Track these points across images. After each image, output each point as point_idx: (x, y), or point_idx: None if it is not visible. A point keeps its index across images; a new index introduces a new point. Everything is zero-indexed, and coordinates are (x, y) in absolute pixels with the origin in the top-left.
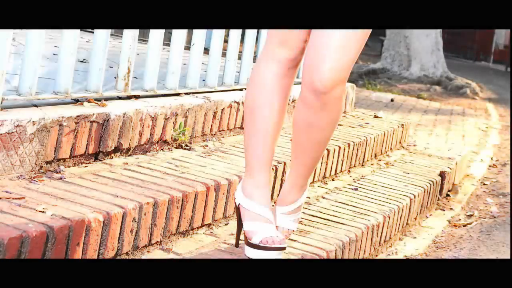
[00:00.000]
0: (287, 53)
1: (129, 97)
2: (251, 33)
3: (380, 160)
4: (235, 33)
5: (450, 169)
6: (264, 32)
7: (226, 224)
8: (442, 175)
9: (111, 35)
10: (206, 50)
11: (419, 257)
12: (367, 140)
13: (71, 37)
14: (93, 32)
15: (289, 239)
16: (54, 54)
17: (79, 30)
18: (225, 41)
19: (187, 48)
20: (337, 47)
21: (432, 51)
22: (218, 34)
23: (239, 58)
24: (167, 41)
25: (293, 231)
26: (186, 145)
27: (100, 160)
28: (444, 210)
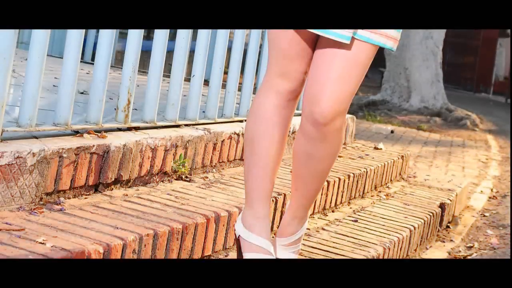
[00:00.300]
0: (287, 84)
1: (129, 129)
2: (251, 64)
3: (380, 191)
4: (235, 65)
5: (450, 200)
6: (264, 63)
7: (226, 256)
8: (442, 206)
9: (111, 66)
10: (206, 82)
11: None
12: (367, 172)
13: (71, 68)
14: (93, 64)
15: None
16: (54, 85)
17: (79, 61)
18: (225, 72)
19: (187, 79)
20: (337, 79)
21: (432, 83)
22: (218, 65)
23: (239, 89)
24: (167, 72)
25: None
26: (186, 177)
27: (100, 192)
28: (444, 242)
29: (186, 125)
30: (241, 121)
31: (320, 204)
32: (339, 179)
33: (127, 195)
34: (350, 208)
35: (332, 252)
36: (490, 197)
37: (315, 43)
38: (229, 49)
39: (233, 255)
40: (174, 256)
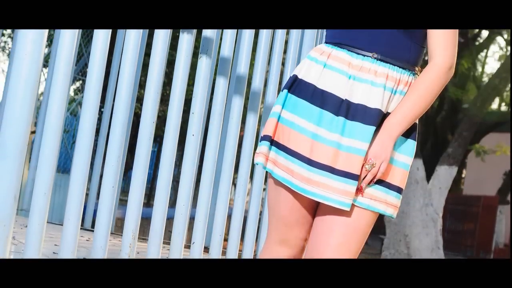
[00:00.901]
0: (287, 251)
1: None
2: (251, 232)
3: None
4: (235, 232)
5: None
6: (264, 230)
7: None
8: None
9: (111, 233)
10: (206, 249)
11: None
12: None
13: (71, 235)
14: (93, 230)
15: None
16: (54, 252)
17: (79, 228)
18: (225, 239)
19: (187, 246)
20: (336, 246)
21: (432, 250)
22: (218, 232)
23: (239, 256)
24: (167, 239)
25: None
26: None
27: None
28: None
29: None
30: None
31: None
32: None
33: None
34: None
35: None
36: None
37: (315, 210)
38: (229, 216)
39: None
40: None
